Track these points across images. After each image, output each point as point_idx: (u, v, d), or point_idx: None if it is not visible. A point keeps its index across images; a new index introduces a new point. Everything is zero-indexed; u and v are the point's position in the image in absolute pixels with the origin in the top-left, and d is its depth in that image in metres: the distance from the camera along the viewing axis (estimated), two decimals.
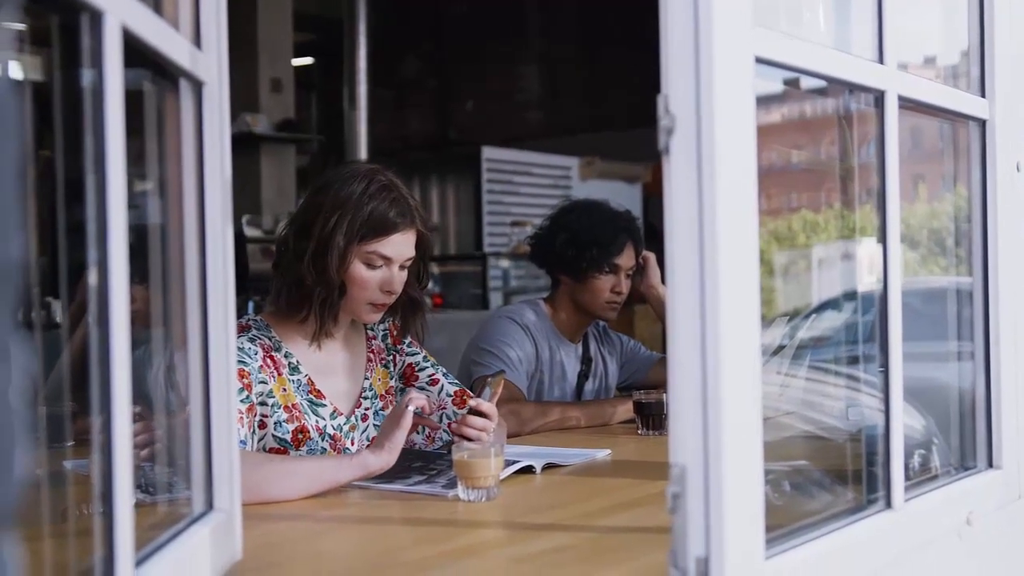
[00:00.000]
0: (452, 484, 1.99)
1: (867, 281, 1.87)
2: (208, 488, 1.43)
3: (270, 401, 2.24)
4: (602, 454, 2.46)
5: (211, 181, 1.42)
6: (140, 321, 1.29)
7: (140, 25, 1.12)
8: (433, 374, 2.53)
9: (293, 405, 2.28)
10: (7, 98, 0.59)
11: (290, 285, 2.30)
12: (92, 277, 1.03)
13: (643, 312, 6.44)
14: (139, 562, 1.13)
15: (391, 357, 2.52)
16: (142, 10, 1.13)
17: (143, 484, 1.43)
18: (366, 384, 2.45)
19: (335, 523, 1.87)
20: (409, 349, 2.55)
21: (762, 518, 1.28)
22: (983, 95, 1.90)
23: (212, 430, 1.43)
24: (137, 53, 1.14)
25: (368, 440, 2.39)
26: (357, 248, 2.26)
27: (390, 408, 2.44)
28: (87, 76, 1.03)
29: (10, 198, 0.58)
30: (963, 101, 1.87)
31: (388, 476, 2.09)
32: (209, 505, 1.43)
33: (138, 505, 1.12)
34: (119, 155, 1.04)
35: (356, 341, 2.48)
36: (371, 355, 2.49)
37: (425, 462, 2.25)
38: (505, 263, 7.76)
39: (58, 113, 1.10)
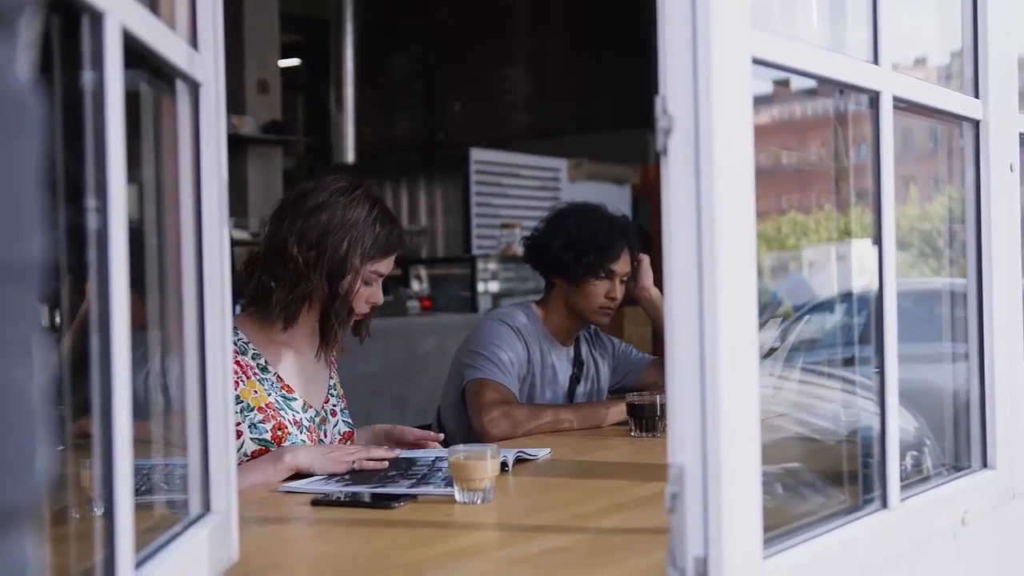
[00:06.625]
0: (451, 482, 1.98)
1: (858, 283, 1.87)
2: (205, 490, 1.42)
3: (238, 407, 2.27)
4: (543, 453, 2.46)
5: (208, 183, 1.41)
6: (134, 324, 1.29)
7: (139, 26, 1.11)
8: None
9: (267, 404, 2.36)
10: (31, 98, 0.59)
11: (297, 299, 2.36)
12: (92, 280, 1.03)
13: (632, 314, 6.45)
14: (138, 564, 1.12)
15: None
16: (142, 11, 1.13)
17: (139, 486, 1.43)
18: (331, 383, 2.57)
19: (331, 525, 1.86)
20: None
21: (760, 518, 1.28)
22: (976, 96, 1.90)
23: (209, 433, 1.42)
24: (134, 54, 1.13)
25: (340, 434, 2.52)
26: (365, 268, 2.39)
27: (348, 410, 2.59)
28: (87, 77, 1.02)
29: (33, 197, 0.58)
30: (957, 102, 1.87)
31: (377, 483, 2.09)
32: (206, 507, 1.42)
33: (135, 507, 1.11)
34: (119, 156, 1.04)
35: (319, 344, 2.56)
36: (332, 359, 2.60)
37: (400, 469, 2.23)
38: (494, 265, 7.75)
39: (56, 114, 1.09)
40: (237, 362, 2.32)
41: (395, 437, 2.57)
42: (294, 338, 2.45)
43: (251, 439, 2.30)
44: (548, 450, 2.49)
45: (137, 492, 1.14)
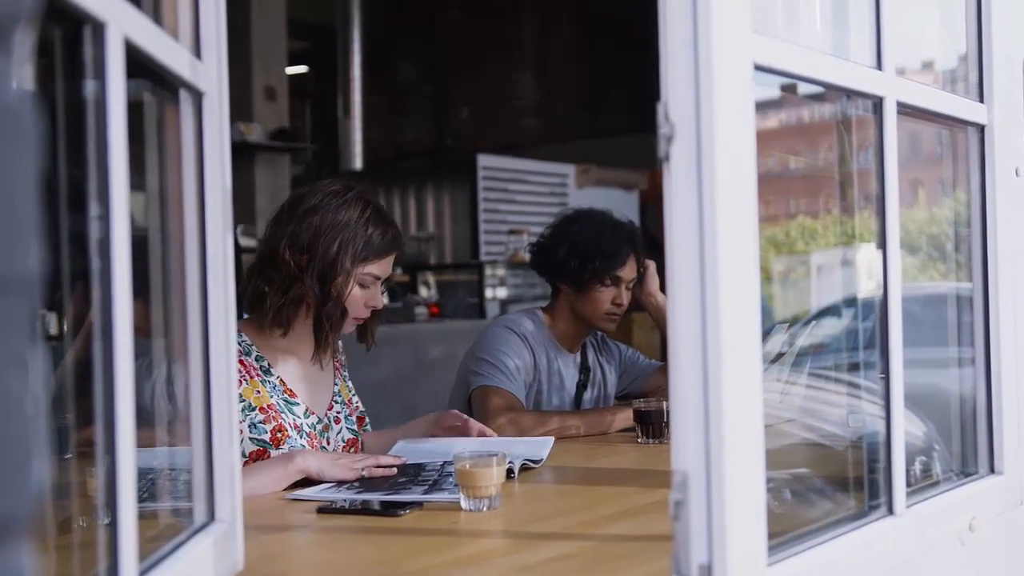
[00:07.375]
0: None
1: (866, 287, 1.87)
2: (210, 499, 1.42)
3: (240, 405, 2.27)
4: (547, 448, 2.47)
5: (211, 191, 1.41)
6: (139, 333, 1.29)
7: (142, 36, 1.11)
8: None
9: (269, 406, 2.36)
10: (27, 110, 0.59)
11: (290, 303, 2.37)
12: (95, 288, 1.03)
13: (641, 320, 6.44)
14: (143, 573, 1.12)
15: (347, 372, 2.64)
16: (144, 21, 1.13)
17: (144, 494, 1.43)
18: (335, 390, 2.56)
19: (336, 533, 1.86)
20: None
21: (764, 524, 1.27)
22: (981, 100, 1.90)
23: (213, 441, 1.42)
24: (137, 63, 1.14)
25: (343, 442, 2.51)
26: (357, 270, 2.38)
27: (354, 416, 2.59)
28: (89, 87, 1.03)
29: (30, 209, 0.58)
30: (962, 106, 1.87)
31: (388, 490, 2.08)
32: (211, 516, 1.42)
33: (141, 516, 1.12)
34: (122, 165, 1.04)
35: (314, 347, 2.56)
36: (337, 365, 2.60)
37: (410, 476, 2.23)
38: (502, 271, 7.74)
39: (60, 124, 1.10)
40: (241, 362, 2.33)
41: (445, 423, 2.59)
42: (296, 344, 2.45)
43: (250, 439, 2.30)
44: (551, 440, 2.52)
45: (141, 499, 1.14)
